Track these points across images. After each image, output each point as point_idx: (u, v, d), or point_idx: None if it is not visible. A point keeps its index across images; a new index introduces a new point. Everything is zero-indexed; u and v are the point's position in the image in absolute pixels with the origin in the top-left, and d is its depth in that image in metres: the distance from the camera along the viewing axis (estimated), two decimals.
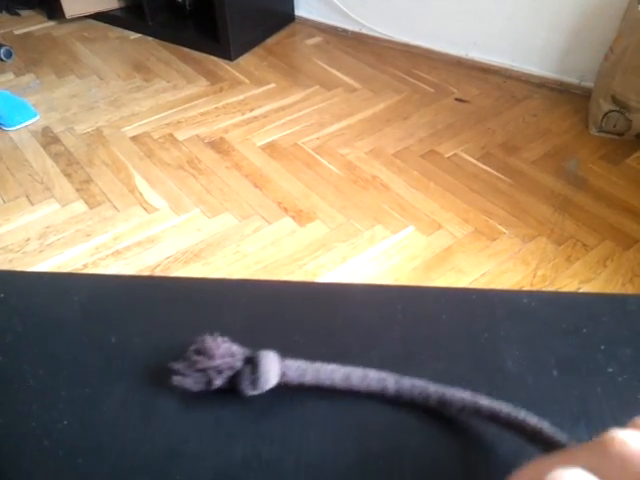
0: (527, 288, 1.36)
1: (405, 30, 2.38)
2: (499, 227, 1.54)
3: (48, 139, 1.91)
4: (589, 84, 2.05)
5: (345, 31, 2.55)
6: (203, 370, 0.29)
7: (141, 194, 1.67)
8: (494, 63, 2.24)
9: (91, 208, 1.62)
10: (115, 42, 2.54)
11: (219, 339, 0.30)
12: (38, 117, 2.00)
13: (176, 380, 0.29)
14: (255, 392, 0.29)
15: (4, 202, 1.65)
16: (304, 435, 0.28)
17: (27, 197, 1.66)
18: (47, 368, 0.31)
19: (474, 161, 1.79)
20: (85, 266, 1.44)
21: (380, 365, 0.31)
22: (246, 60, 2.38)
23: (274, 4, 2.56)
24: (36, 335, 0.32)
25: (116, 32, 2.61)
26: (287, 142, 1.88)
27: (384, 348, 0.32)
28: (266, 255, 1.46)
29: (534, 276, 1.39)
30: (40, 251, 1.48)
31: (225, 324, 0.33)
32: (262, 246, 1.49)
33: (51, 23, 2.69)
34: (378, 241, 1.50)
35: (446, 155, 1.81)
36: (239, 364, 0.29)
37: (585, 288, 1.36)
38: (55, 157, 1.82)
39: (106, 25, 2.66)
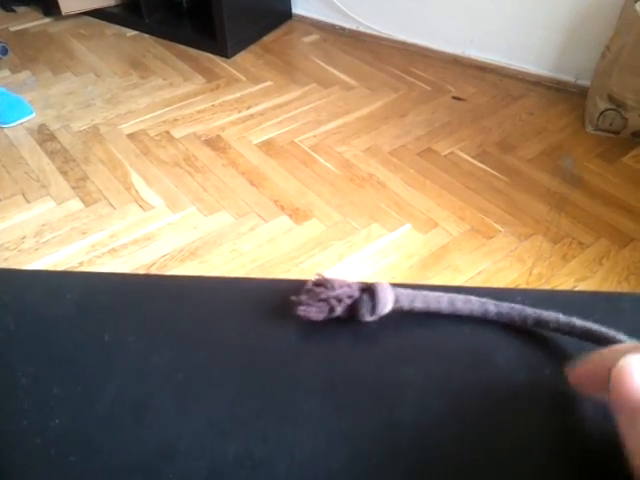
0: (523, 286, 1.37)
1: (402, 28, 2.38)
2: (495, 225, 1.54)
3: (44, 136, 1.90)
4: (585, 82, 2.05)
5: (342, 29, 2.55)
6: (325, 300, 0.32)
7: (137, 192, 1.67)
8: (491, 61, 2.24)
9: (87, 206, 1.62)
10: (111, 39, 2.54)
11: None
12: (34, 114, 1.99)
13: (301, 310, 0.32)
14: (373, 318, 0.32)
15: (0, 200, 1.64)
16: (297, 433, 0.28)
17: (23, 195, 1.66)
18: (40, 366, 0.31)
19: (470, 159, 1.79)
20: (81, 264, 1.43)
21: (376, 361, 0.31)
22: (243, 58, 2.38)
23: (271, 1, 2.56)
24: (29, 333, 0.32)
25: (113, 29, 2.61)
26: (284, 140, 1.88)
27: (379, 346, 0.32)
28: (262, 253, 1.46)
29: (530, 274, 1.40)
30: (36, 249, 1.48)
31: (220, 322, 0.33)
32: (258, 244, 1.49)
33: (47, 20, 2.68)
34: (374, 239, 1.50)
35: (442, 153, 1.82)
36: (357, 293, 0.32)
37: (581, 286, 1.37)
38: (51, 155, 1.82)
39: (102, 22, 2.65)
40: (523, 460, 0.27)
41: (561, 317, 0.30)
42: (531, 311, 0.31)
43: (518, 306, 0.31)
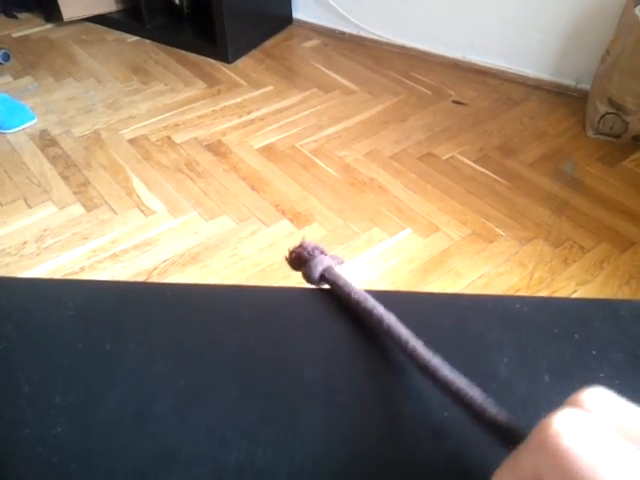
0: (524, 290, 1.37)
1: (402, 32, 2.39)
2: (496, 229, 1.54)
3: (46, 142, 1.91)
4: (586, 86, 2.05)
5: (343, 34, 2.56)
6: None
7: (139, 197, 1.67)
8: (491, 65, 2.25)
9: (88, 211, 1.62)
10: (113, 45, 2.55)
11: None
12: (36, 120, 2.00)
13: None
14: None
15: (1, 205, 1.65)
16: (297, 440, 0.28)
17: (24, 200, 1.66)
18: (41, 375, 0.31)
19: (471, 163, 1.79)
20: (82, 269, 1.44)
21: (373, 371, 0.31)
22: (244, 63, 2.39)
23: (272, 7, 2.57)
24: (30, 341, 0.32)
25: (114, 35, 2.62)
26: (285, 145, 1.88)
27: (378, 354, 0.32)
28: (263, 258, 1.47)
29: (531, 278, 1.40)
30: (37, 254, 1.48)
31: (217, 330, 0.33)
32: (259, 249, 1.49)
33: (49, 26, 2.69)
34: (375, 243, 1.51)
35: (443, 157, 1.82)
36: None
37: (582, 290, 1.37)
38: (53, 160, 1.82)
39: (104, 28, 2.66)
40: None
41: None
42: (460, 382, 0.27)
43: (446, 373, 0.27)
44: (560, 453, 0.17)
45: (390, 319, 0.31)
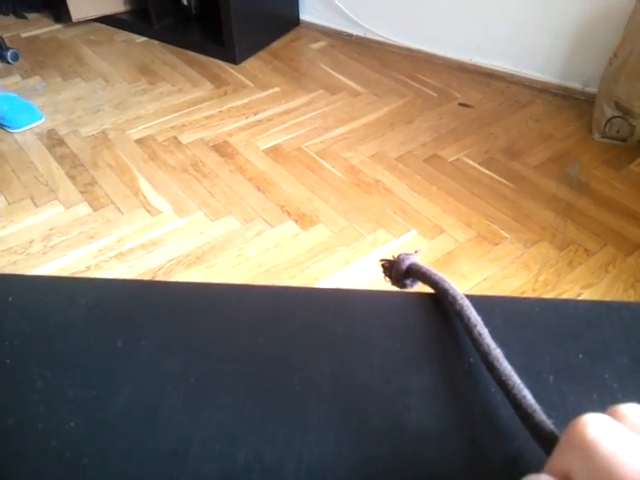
0: (529, 293, 1.37)
1: (409, 34, 2.39)
2: (501, 232, 1.54)
3: (53, 141, 1.92)
4: (593, 90, 2.05)
5: (350, 35, 2.56)
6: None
7: (145, 197, 1.68)
8: (497, 68, 2.25)
9: (95, 210, 1.63)
10: (121, 45, 2.56)
11: None
12: (43, 119, 2.01)
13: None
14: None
15: (9, 204, 1.66)
16: (306, 438, 0.29)
17: (31, 199, 1.68)
18: (54, 370, 0.31)
19: (477, 166, 1.79)
20: (88, 268, 1.45)
21: (381, 369, 0.31)
22: (251, 64, 2.39)
23: (279, 8, 2.58)
24: (44, 338, 0.33)
25: (122, 35, 2.63)
26: (291, 146, 1.89)
27: (384, 355, 0.33)
28: (268, 258, 1.47)
29: (536, 281, 1.40)
30: (44, 253, 1.49)
31: (227, 329, 0.34)
32: (264, 249, 1.50)
33: (58, 26, 2.71)
34: (380, 245, 1.51)
35: (449, 160, 1.82)
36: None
37: (587, 293, 1.37)
38: (60, 159, 1.84)
39: (112, 28, 2.68)
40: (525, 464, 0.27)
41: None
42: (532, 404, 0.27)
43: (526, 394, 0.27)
44: (586, 443, 0.18)
45: (464, 302, 0.32)
